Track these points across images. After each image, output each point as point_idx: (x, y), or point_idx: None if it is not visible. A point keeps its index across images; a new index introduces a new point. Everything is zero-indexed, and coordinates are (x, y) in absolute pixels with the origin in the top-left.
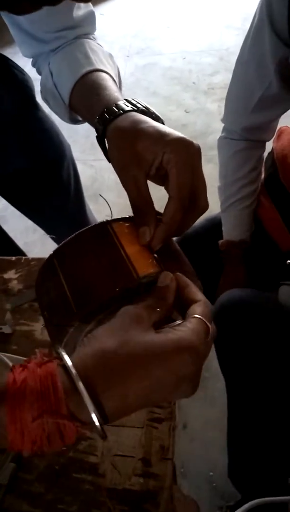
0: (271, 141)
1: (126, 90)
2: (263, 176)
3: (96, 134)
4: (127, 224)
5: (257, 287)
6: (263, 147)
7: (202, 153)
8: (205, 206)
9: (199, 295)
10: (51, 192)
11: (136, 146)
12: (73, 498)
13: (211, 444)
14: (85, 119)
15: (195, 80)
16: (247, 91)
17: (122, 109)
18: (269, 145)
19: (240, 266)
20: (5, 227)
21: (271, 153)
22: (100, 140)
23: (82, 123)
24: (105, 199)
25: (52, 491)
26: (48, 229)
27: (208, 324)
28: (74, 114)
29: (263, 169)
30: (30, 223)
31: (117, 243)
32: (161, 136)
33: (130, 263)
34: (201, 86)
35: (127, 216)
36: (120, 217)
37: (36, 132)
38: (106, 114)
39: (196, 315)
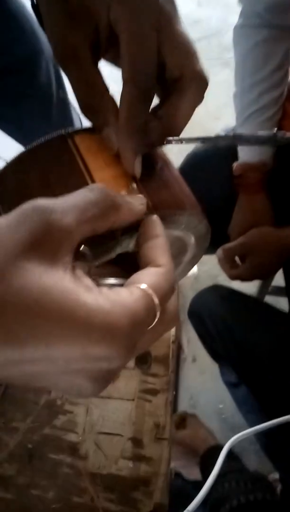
0: None
1: None
2: None
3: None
4: (96, 137)
5: (281, 221)
6: None
7: (219, 56)
8: (200, 82)
9: (162, 257)
10: (27, 98)
11: (71, 8)
12: (49, 482)
13: (221, 377)
14: None
15: None
16: None
17: None
18: None
19: (260, 193)
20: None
21: None
22: (35, 10)
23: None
24: (74, 109)
25: (24, 474)
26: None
27: (156, 301)
28: None
29: None
30: None
31: (81, 165)
32: None
33: None
34: None
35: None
36: (87, 126)
37: (2, 24)
38: None
39: (142, 286)
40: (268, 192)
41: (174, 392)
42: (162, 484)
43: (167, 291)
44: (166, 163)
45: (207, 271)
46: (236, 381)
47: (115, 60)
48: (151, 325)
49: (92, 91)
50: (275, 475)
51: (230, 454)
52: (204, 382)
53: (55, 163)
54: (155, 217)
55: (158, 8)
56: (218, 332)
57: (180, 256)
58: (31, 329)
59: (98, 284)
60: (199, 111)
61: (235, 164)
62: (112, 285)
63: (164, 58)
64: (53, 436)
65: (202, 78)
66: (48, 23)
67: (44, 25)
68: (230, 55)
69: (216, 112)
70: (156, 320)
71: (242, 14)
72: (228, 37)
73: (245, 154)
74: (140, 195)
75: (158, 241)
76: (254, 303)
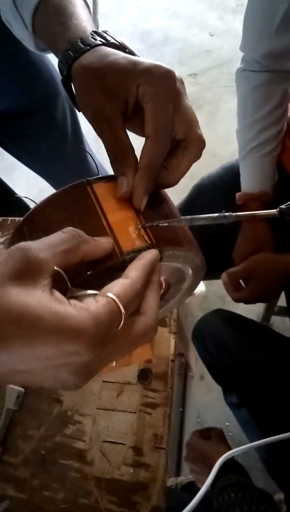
0: None
1: (144, 11)
2: (289, 114)
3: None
4: (112, 185)
5: (281, 248)
6: (288, 80)
7: (229, 84)
8: (199, 144)
9: (132, 272)
10: (45, 134)
11: (105, 83)
12: (59, 485)
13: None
14: (52, 52)
15: None
16: (268, 7)
17: (89, 44)
18: None
19: (261, 221)
20: (16, 173)
21: None
22: (65, 84)
23: (50, 52)
24: (87, 151)
25: (37, 477)
26: (50, 179)
27: (122, 309)
28: (40, 43)
29: (289, 106)
30: None
31: (97, 209)
32: (134, 66)
33: (112, 236)
34: (228, 3)
35: (113, 175)
36: (105, 175)
37: (23, 67)
38: (70, 52)
39: (109, 294)
40: (269, 220)
41: (181, 409)
42: (159, 488)
43: (131, 298)
44: (168, 205)
45: (215, 291)
46: (238, 401)
47: (133, 128)
48: (118, 324)
49: (121, 149)
50: (281, 495)
51: (239, 469)
52: (211, 400)
53: (76, 206)
54: (152, 251)
55: (174, 88)
56: (219, 355)
57: (179, 284)
58: (17, 335)
59: (76, 296)
60: (211, 137)
61: (237, 194)
62: (89, 295)
63: (174, 124)
64: (63, 444)
65: (201, 140)
66: (83, 98)
67: (77, 101)
68: None
69: (226, 138)
70: (122, 320)
71: (243, 60)
72: (238, 65)
73: (247, 185)
74: (108, 237)
75: (137, 261)
76: (255, 328)
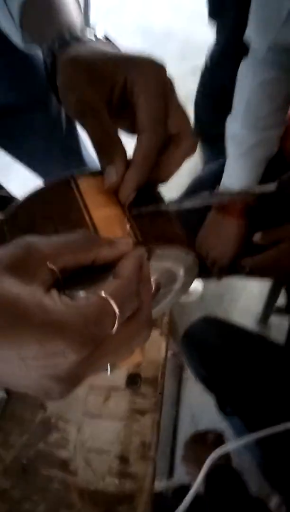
0: None
1: (145, 5)
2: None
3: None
4: (98, 180)
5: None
6: None
7: None
8: (192, 139)
9: (125, 270)
10: (39, 131)
11: (91, 71)
12: (40, 497)
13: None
14: (39, 47)
15: None
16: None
17: (77, 37)
18: None
19: (241, 219)
20: (12, 172)
21: None
22: (50, 78)
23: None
24: (82, 141)
25: (18, 488)
26: (45, 178)
27: (116, 309)
28: (27, 37)
29: None
30: None
31: (80, 204)
32: (124, 58)
33: (95, 233)
34: None
35: (100, 170)
36: (92, 170)
37: (16, 61)
38: (56, 43)
39: (101, 292)
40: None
41: (174, 411)
42: (146, 499)
43: (126, 297)
44: (159, 201)
45: (212, 290)
46: (230, 410)
47: (120, 125)
48: (112, 325)
49: (105, 136)
50: (279, 499)
51: (234, 475)
52: (206, 402)
53: (59, 202)
54: (139, 248)
55: (166, 82)
56: (208, 365)
57: (170, 284)
58: (0, 324)
59: (70, 295)
60: None
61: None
62: (81, 295)
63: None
64: (45, 452)
65: (194, 136)
66: (66, 89)
67: (60, 93)
68: None
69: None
70: (116, 322)
71: (251, 52)
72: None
73: (232, 184)
74: (127, 238)
75: (126, 259)
76: (245, 335)
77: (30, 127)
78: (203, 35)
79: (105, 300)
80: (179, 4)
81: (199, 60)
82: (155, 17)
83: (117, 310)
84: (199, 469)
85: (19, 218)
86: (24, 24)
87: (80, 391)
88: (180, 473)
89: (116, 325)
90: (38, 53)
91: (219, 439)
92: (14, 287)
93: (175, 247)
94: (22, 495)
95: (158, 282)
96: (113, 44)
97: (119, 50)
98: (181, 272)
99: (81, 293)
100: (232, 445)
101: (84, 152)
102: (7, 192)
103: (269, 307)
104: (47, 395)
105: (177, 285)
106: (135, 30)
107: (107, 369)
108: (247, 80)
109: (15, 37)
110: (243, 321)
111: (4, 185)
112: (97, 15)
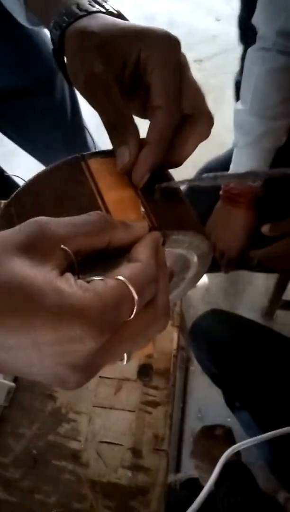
0: None
1: None
2: None
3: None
4: (109, 161)
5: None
6: None
7: (236, 70)
8: (208, 120)
9: (142, 254)
10: (44, 116)
11: (101, 45)
12: (52, 488)
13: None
14: (44, 25)
15: None
16: None
17: (86, 10)
18: None
19: (250, 210)
20: (16, 159)
21: None
22: (57, 53)
23: (43, 27)
24: (86, 128)
25: (28, 478)
26: (48, 163)
27: (134, 294)
28: (31, 15)
29: None
30: None
31: (92, 186)
32: (137, 31)
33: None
34: None
35: (111, 149)
36: (102, 150)
37: (20, 43)
38: (64, 17)
39: (119, 277)
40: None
41: (181, 404)
42: (159, 494)
43: (144, 282)
44: (172, 185)
45: (218, 283)
46: (239, 404)
47: (133, 104)
48: (130, 311)
49: (118, 115)
50: (287, 494)
51: (244, 471)
52: (212, 395)
53: (69, 184)
54: (155, 232)
55: (179, 57)
56: (216, 358)
57: (183, 273)
58: (12, 307)
59: (85, 279)
60: (216, 124)
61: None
62: (97, 280)
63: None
64: (56, 443)
65: (210, 116)
66: (77, 61)
67: (68, 69)
68: None
69: (232, 125)
70: (135, 307)
71: (259, 38)
72: None
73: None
74: (143, 221)
75: (142, 243)
76: (253, 327)
77: (34, 111)
78: (206, 25)
79: (123, 284)
80: None
81: (203, 50)
82: (158, 7)
83: (135, 295)
84: (209, 463)
85: (27, 201)
86: (28, 1)
87: (91, 382)
88: (187, 466)
89: (134, 311)
90: (43, 34)
91: (228, 434)
92: (27, 268)
93: (191, 232)
94: (33, 486)
95: (171, 269)
96: (123, 16)
97: (130, 22)
98: (194, 259)
99: (97, 278)
100: (248, 443)
101: (88, 138)
102: (12, 176)
103: (275, 302)
104: (62, 384)
105: (190, 274)
106: (138, 20)
107: (123, 358)
108: (255, 67)
109: (20, 16)
110: (248, 315)
111: (9, 172)
112: None
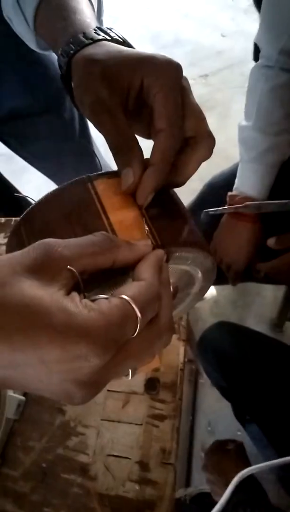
0: None
1: (155, 12)
2: None
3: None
4: (114, 181)
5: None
6: None
7: (241, 85)
8: (209, 141)
9: (145, 273)
10: (53, 135)
11: (106, 72)
12: (60, 501)
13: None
14: (52, 50)
15: None
16: (287, 4)
17: (92, 38)
18: None
19: (256, 224)
20: (26, 176)
21: None
22: (65, 80)
23: (52, 51)
24: (94, 149)
25: (38, 492)
26: (59, 182)
27: (138, 313)
28: (41, 41)
29: None
30: None
31: (98, 206)
32: (139, 58)
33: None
34: (240, 3)
35: (116, 170)
36: (107, 171)
37: (31, 65)
38: (71, 45)
39: (123, 296)
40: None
41: (190, 417)
42: (167, 507)
43: (147, 301)
44: (176, 203)
45: (226, 296)
46: (248, 417)
47: (135, 129)
48: (134, 329)
49: (122, 137)
50: None
51: (256, 485)
52: (222, 408)
53: (76, 204)
54: (158, 250)
55: (181, 82)
56: (224, 371)
57: (187, 288)
58: (20, 326)
59: (90, 298)
60: (222, 139)
61: (230, 194)
62: (102, 298)
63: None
64: (65, 457)
65: (211, 137)
66: (83, 86)
67: (75, 94)
68: None
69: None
70: (138, 325)
71: (262, 56)
72: (250, 66)
73: (246, 190)
74: (146, 240)
75: (146, 261)
76: (261, 340)
77: (43, 131)
78: (212, 41)
79: (127, 303)
80: (188, 11)
81: (208, 65)
82: (164, 24)
83: (139, 314)
84: (221, 477)
85: (36, 220)
86: (38, 28)
87: (99, 396)
88: (197, 480)
89: (138, 329)
90: (52, 56)
91: (240, 449)
92: (35, 289)
93: (194, 249)
94: (42, 499)
95: (176, 285)
96: (128, 43)
97: (134, 49)
98: (199, 275)
99: (102, 297)
100: (262, 467)
101: (97, 156)
102: (23, 196)
103: (284, 313)
104: (69, 400)
105: (195, 289)
106: (144, 37)
107: (128, 374)
108: (259, 84)
109: (30, 41)
110: (257, 327)
111: (19, 189)
112: (106, 22)
